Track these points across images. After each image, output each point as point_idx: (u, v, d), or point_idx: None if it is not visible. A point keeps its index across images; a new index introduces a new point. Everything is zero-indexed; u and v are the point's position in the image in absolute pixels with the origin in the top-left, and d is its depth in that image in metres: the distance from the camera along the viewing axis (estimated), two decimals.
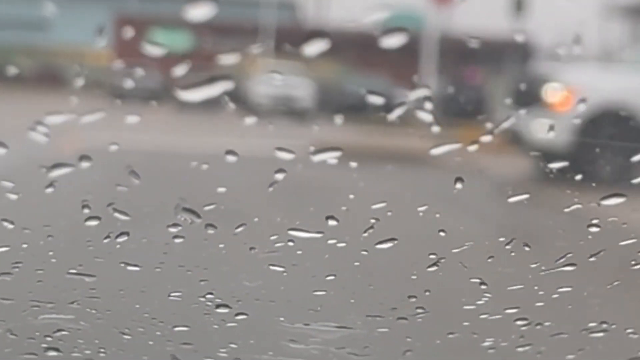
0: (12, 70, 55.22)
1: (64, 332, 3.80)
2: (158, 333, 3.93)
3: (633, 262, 4.35)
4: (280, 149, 3.53)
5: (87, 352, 3.71)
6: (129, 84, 37.67)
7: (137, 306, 4.48)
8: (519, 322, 3.97)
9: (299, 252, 4.91)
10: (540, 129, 18.81)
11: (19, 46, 61.77)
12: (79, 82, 4.60)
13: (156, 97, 37.39)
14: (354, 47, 57.60)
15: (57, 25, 62.03)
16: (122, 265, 4.78)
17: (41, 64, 60.03)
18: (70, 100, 4.32)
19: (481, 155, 4.21)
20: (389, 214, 4.47)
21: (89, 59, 62.59)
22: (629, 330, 3.97)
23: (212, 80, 3.21)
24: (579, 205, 4.50)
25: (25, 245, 5.32)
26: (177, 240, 5.06)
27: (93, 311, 4.31)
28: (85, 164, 4.50)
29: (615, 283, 4.64)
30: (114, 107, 4.20)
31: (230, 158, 3.72)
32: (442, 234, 4.67)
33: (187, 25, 57.98)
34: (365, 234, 4.43)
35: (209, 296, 4.26)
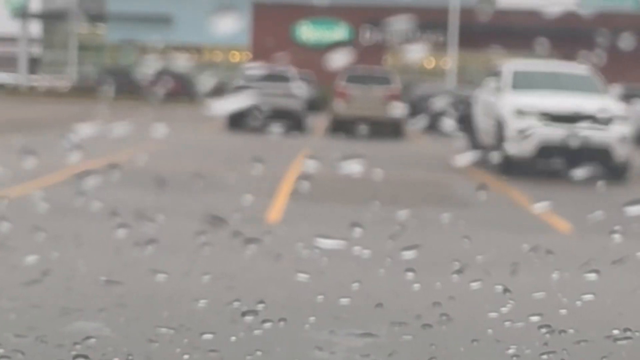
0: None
1: (92, 340, 3.86)
2: (185, 340, 3.98)
3: None
4: None
5: (116, 359, 3.77)
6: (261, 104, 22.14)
7: (165, 313, 4.54)
8: (542, 329, 3.99)
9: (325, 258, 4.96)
10: None
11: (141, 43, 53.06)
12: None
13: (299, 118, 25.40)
14: None
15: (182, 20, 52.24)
16: (151, 272, 4.85)
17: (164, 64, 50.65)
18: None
19: None
20: None
21: (217, 59, 54.61)
22: None
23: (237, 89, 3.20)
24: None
25: (56, 254, 5.40)
26: (205, 248, 5.12)
27: (121, 318, 4.37)
28: (115, 173, 4.57)
29: (639, 290, 4.65)
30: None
31: None
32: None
33: (341, 14, 48.29)
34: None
35: (235, 304, 4.31)
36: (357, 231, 5.14)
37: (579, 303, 4.29)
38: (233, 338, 3.99)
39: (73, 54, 55.59)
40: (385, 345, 4.21)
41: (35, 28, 59.57)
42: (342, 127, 25.33)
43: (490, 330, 4.18)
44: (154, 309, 4.67)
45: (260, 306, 4.17)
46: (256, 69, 31.01)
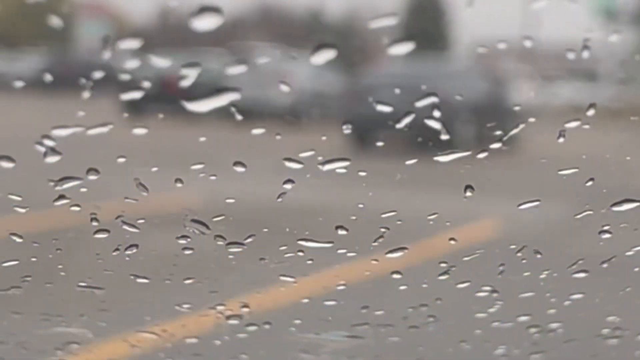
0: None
1: (74, 345, 3.80)
2: (168, 345, 3.92)
3: None
4: None
5: None
6: None
7: (148, 318, 4.47)
8: (531, 330, 3.95)
9: (309, 261, 4.90)
10: None
11: None
12: None
13: None
14: None
15: None
16: (132, 277, 4.77)
17: None
18: None
19: None
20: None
21: None
22: None
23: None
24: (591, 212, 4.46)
25: (34, 259, 5.31)
26: (187, 252, 5.05)
27: (103, 324, 4.30)
28: (92, 177, 4.51)
29: (628, 289, 4.61)
30: None
31: None
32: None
33: None
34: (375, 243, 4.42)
35: (219, 307, 4.24)
36: None
37: (567, 302, 4.25)
38: (217, 342, 3.93)
39: None
40: (371, 347, 4.15)
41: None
42: None
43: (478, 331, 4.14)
44: (136, 314, 4.60)
45: (244, 310, 4.11)
46: None
